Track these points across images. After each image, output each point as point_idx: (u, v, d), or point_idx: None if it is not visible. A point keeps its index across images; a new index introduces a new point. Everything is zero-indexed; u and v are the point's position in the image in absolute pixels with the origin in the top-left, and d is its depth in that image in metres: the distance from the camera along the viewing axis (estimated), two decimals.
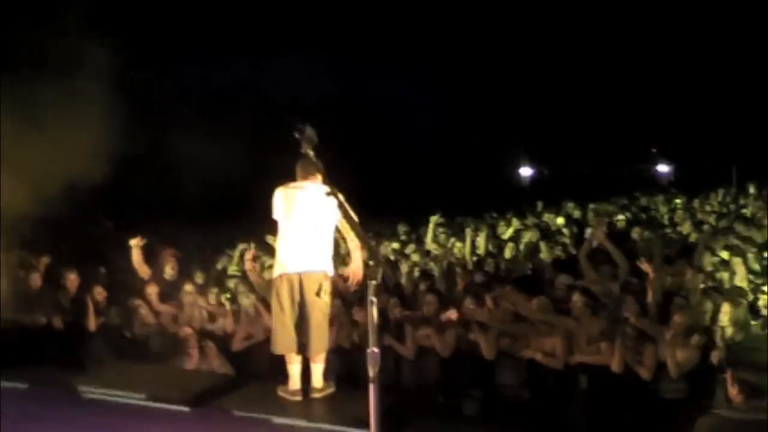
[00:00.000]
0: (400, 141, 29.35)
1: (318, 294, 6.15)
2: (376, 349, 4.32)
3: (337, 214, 5.67)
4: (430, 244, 12.20)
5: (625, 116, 32.74)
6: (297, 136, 4.70)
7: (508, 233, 13.35)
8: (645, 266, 8.41)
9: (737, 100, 27.44)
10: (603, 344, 7.33)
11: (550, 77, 31.55)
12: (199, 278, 10.33)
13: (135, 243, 9.87)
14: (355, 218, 5.12)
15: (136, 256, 9.89)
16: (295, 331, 6.27)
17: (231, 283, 10.03)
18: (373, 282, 4.40)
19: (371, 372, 4.32)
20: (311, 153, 4.75)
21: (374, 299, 4.38)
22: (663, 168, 40.55)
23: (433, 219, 12.67)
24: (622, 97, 31.86)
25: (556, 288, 8.87)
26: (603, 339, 7.37)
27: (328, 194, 4.77)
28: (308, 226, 6.23)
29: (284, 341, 6.33)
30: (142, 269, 9.94)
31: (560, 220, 14.25)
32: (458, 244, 11.87)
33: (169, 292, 9.82)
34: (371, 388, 4.34)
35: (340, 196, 4.82)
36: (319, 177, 6.18)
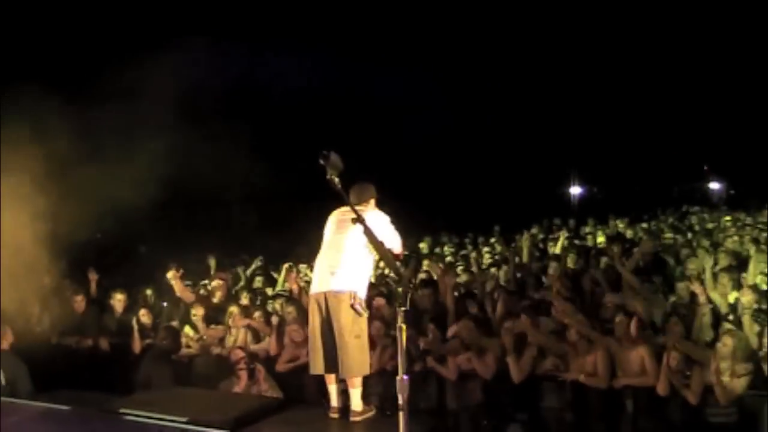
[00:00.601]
0: (449, 157, 29.35)
1: (357, 313, 6.05)
2: (405, 377, 4.28)
3: (364, 240, 5.67)
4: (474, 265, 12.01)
5: (676, 133, 32.38)
6: (322, 162, 4.69)
7: (557, 248, 13.21)
8: (696, 287, 8.31)
9: None
10: (648, 367, 7.21)
11: (602, 95, 31.32)
12: (245, 299, 10.34)
13: (171, 276, 9.98)
14: (386, 244, 5.25)
15: (177, 286, 9.99)
16: (324, 352, 6.24)
17: (277, 304, 10.02)
18: (402, 308, 4.37)
19: (401, 399, 4.29)
20: (336, 180, 4.73)
21: (403, 326, 4.35)
22: (715, 185, 39.95)
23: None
24: (673, 115, 31.53)
25: (606, 307, 8.75)
26: (648, 361, 7.25)
27: (354, 221, 4.82)
28: (338, 246, 6.23)
29: (315, 361, 6.32)
30: (186, 296, 10.03)
31: (601, 238, 14.15)
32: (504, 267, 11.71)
33: (216, 315, 9.85)
34: (401, 416, 4.31)
35: (368, 223, 4.88)
36: (372, 202, 6.33)
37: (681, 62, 29.22)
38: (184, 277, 10.38)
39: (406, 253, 12.63)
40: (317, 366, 6.33)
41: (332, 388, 6.46)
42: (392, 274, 4.72)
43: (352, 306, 6.03)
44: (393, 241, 6.32)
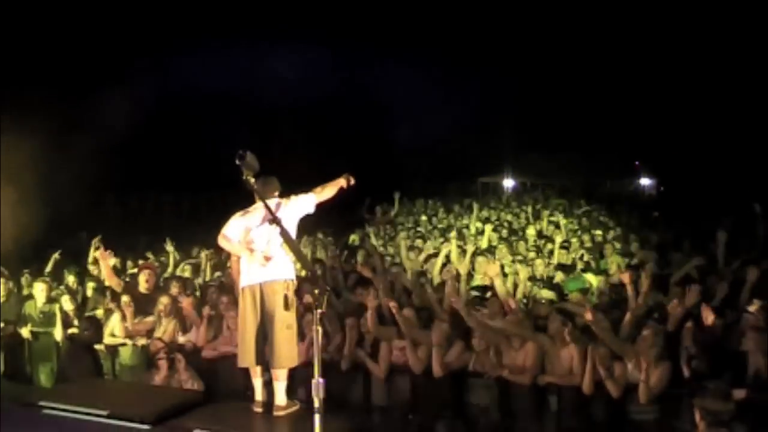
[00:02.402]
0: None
1: (286, 306, 6.02)
2: (321, 380, 4.26)
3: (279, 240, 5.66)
4: (404, 259, 11.94)
5: (607, 129, 32.82)
6: (238, 162, 4.68)
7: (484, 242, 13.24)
8: (625, 276, 8.40)
9: None
10: (576, 366, 7.25)
11: (539, 88, 31.70)
12: (175, 288, 10.14)
13: (100, 254, 9.72)
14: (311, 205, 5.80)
15: (105, 268, 9.72)
16: (256, 344, 6.22)
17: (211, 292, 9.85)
18: (319, 310, 4.35)
19: (316, 402, 4.27)
20: (252, 180, 4.72)
21: (319, 328, 4.34)
22: (646, 181, 40.63)
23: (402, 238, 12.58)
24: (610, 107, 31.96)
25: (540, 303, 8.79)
26: (576, 360, 7.30)
27: (271, 222, 4.86)
28: (266, 237, 6.17)
29: (245, 354, 6.29)
30: (113, 281, 9.77)
31: (531, 231, 14.33)
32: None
33: (143, 306, 9.63)
34: (316, 419, 4.29)
35: (283, 224, 4.91)
36: (277, 194, 6.31)
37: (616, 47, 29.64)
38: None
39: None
40: (246, 359, 6.31)
41: (257, 382, 6.45)
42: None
43: (285, 296, 6.00)
44: (311, 199, 6.44)
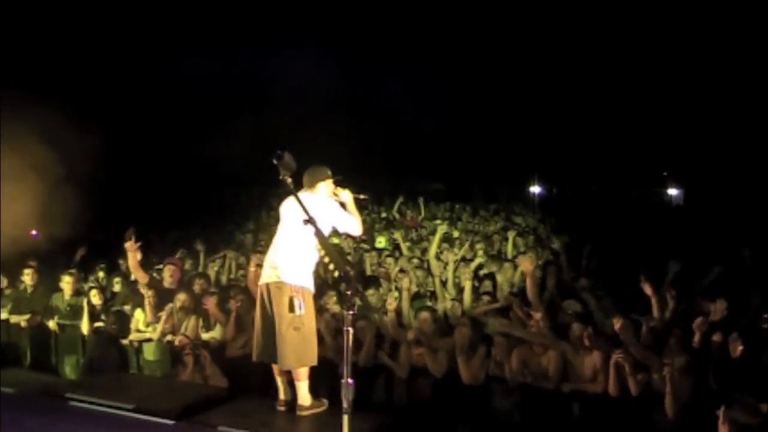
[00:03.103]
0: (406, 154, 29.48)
1: (290, 309, 6.02)
2: (350, 381, 4.27)
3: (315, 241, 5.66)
4: (432, 259, 11.90)
5: (637, 137, 32.59)
6: (275, 162, 4.67)
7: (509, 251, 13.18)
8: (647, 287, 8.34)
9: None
10: (600, 374, 7.23)
11: (562, 94, 31.47)
12: (198, 286, 10.21)
13: (129, 246, 9.77)
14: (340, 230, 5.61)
15: (132, 260, 9.78)
16: (263, 341, 6.26)
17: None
18: (350, 312, 4.35)
19: (345, 403, 4.27)
20: (289, 180, 4.72)
21: (350, 329, 4.34)
22: (673, 191, 40.28)
23: (441, 229, 12.43)
24: (635, 117, 31.73)
25: (564, 313, 8.74)
26: (600, 368, 7.28)
27: (306, 222, 4.78)
28: (289, 237, 6.22)
29: (257, 350, 6.34)
30: (139, 274, 9.83)
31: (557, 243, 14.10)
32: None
33: (167, 301, 9.70)
34: (345, 419, 4.29)
35: (318, 224, 4.84)
36: (320, 187, 6.27)
37: (650, 65, 29.42)
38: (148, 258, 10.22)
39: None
40: (256, 353, 6.36)
41: (279, 380, 6.49)
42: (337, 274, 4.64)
43: (291, 298, 6.02)
44: (347, 225, 6.35)
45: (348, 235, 6.71)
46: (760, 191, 23.27)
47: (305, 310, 6.11)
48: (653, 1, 26.47)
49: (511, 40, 28.66)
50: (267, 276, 6.24)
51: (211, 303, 9.25)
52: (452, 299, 9.53)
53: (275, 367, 6.40)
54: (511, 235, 13.51)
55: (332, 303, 8.86)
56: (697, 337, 7.38)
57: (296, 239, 6.09)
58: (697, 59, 27.42)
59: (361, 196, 6.59)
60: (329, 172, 6.40)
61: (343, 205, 6.42)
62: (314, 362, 6.29)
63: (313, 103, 24.79)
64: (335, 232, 6.53)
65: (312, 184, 6.29)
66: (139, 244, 9.68)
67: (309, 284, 6.23)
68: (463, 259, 11.42)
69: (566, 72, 29.87)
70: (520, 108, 30.87)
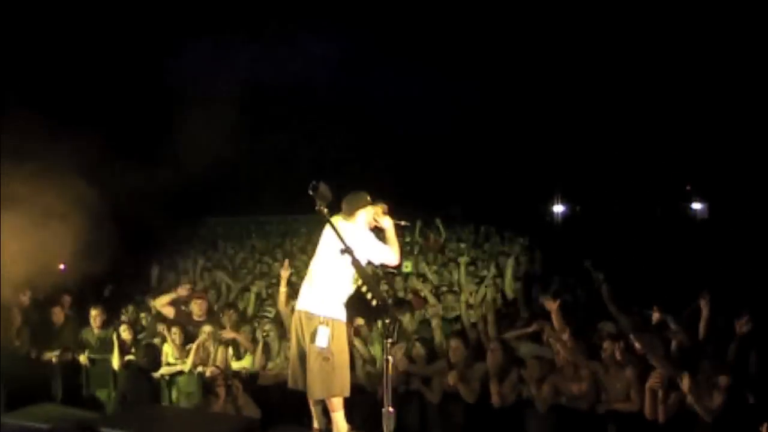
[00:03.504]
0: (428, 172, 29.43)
1: (312, 340, 5.93)
2: (391, 409, 4.26)
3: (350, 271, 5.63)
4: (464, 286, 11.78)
5: (660, 153, 32.47)
6: (311, 193, 4.66)
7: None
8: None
9: None
10: (634, 392, 7.19)
11: (585, 114, 31.44)
12: (227, 318, 10.22)
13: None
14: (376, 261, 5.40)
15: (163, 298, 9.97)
16: (297, 369, 6.18)
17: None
18: (389, 340, 4.33)
19: (386, 431, 4.27)
20: (325, 210, 4.71)
21: (390, 358, 4.33)
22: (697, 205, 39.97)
23: (463, 261, 12.39)
24: (658, 135, 31.63)
25: (599, 334, 8.66)
26: (634, 386, 7.24)
27: (343, 252, 4.76)
28: (323, 266, 6.16)
29: (291, 377, 6.27)
30: (167, 311, 9.95)
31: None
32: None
33: (196, 333, 9.75)
34: None
35: (356, 254, 4.81)
36: (360, 215, 6.23)
37: (671, 75, 29.36)
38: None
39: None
40: (290, 380, 6.28)
41: (314, 409, 6.44)
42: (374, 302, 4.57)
43: (314, 331, 5.94)
44: (384, 256, 6.25)
45: (383, 265, 6.60)
46: None
47: (333, 341, 5.98)
48: (677, 22, 26.44)
49: (534, 61, 28.67)
50: (301, 302, 6.18)
51: (240, 333, 9.32)
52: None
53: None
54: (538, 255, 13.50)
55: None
56: (732, 350, 7.33)
57: (331, 268, 6.02)
58: (721, 75, 27.33)
59: (402, 223, 6.50)
60: (369, 198, 6.31)
61: (382, 231, 6.34)
62: (345, 393, 6.17)
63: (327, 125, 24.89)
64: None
65: (351, 212, 6.21)
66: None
67: (341, 315, 6.11)
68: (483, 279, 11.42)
69: (587, 90, 29.83)
70: (541, 127, 30.82)
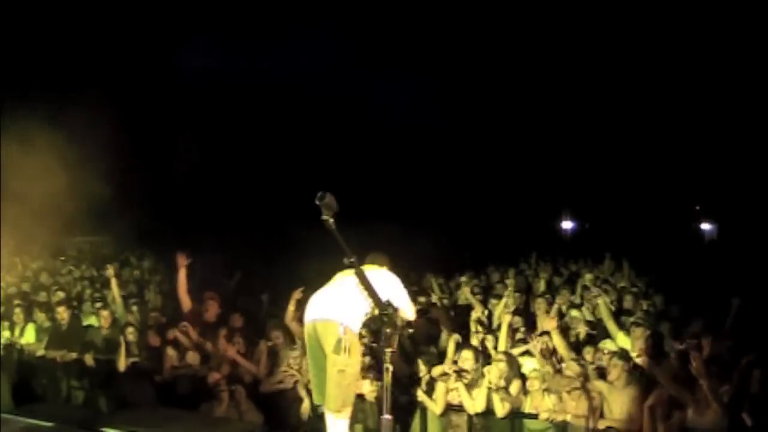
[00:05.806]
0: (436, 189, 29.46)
1: (336, 350, 5.87)
2: (388, 416, 4.28)
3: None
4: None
5: (669, 171, 32.44)
6: (318, 203, 4.67)
7: (541, 285, 13.09)
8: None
9: None
10: (635, 410, 7.19)
11: (594, 130, 31.46)
12: (237, 321, 10.23)
13: (181, 261, 9.93)
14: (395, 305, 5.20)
15: (182, 279, 9.93)
16: (314, 380, 6.22)
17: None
18: (389, 350, 4.36)
19: None
20: (331, 221, 4.71)
21: (390, 366, 4.35)
22: (706, 225, 39.88)
23: (464, 280, 12.52)
24: (667, 152, 31.62)
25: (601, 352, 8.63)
26: (636, 404, 7.24)
27: (348, 263, 4.85)
28: (336, 284, 6.24)
29: (314, 394, 6.33)
30: (185, 299, 9.95)
31: (589, 277, 13.82)
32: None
33: (209, 335, 9.74)
34: None
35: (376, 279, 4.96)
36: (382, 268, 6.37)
37: (675, 92, 29.38)
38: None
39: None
40: (314, 397, 6.38)
41: (326, 418, 6.40)
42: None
43: (339, 339, 5.88)
44: (406, 304, 6.32)
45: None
46: None
47: (351, 352, 5.94)
48: (687, 37, 26.48)
49: (542, 79, 28.74)
50: (312, 313, 6.18)
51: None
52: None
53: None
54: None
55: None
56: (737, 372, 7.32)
57: (347, 286, 6.02)
58: (730, 93, 27.35)
59: None
60: (387, 260, 6.62)
61: None
62: (352, 403, 6.25)
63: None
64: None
65: (382, 264, 6.48)
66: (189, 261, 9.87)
67: (355, 326, 6.06)
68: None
69: (596, 108, 29.90)
70: (549, 145, 30.88)
